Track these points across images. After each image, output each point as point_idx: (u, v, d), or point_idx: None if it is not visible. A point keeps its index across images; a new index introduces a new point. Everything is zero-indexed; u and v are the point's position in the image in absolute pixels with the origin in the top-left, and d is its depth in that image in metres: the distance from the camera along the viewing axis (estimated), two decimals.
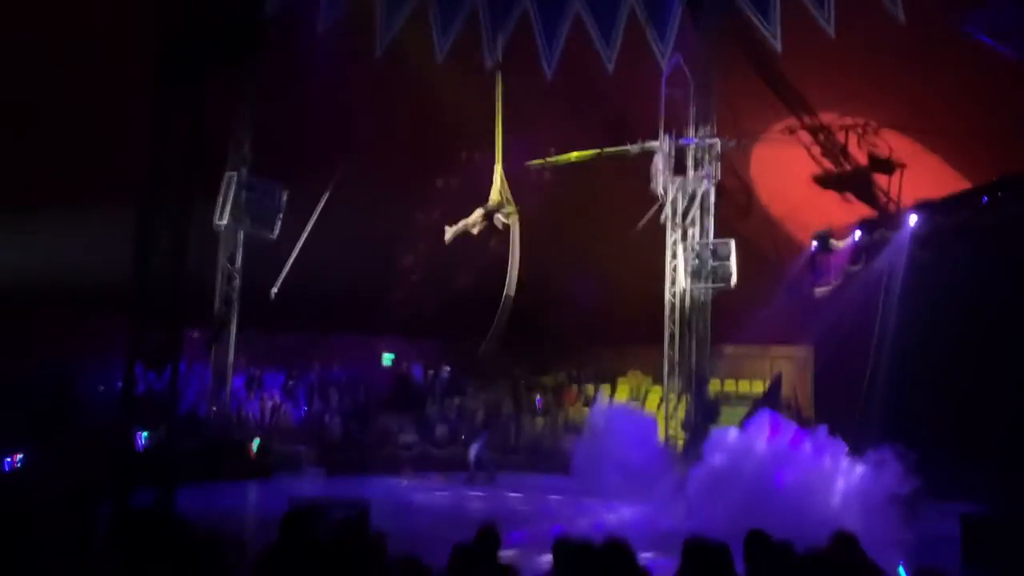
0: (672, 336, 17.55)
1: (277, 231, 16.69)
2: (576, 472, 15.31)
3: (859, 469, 12.06)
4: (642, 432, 15.49)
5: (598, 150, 14.81)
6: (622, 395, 20.70)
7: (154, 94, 9.08)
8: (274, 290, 16.39)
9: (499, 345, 12.71)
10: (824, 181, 17.29)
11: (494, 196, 12.71)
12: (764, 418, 13.42)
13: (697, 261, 17.13)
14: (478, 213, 12.86)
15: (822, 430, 12.59)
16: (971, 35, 11.88)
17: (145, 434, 11.84)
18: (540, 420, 19.47)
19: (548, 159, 16.26)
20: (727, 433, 13.47)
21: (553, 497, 14.32)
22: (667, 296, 17.65)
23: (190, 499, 9.73)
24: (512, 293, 12.43)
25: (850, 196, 17.26)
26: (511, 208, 12.57)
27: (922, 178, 16.23)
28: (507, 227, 13.00)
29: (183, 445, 13.31)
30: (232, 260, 16.70)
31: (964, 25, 11.93)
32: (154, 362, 9.35)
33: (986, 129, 14.15)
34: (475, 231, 12.86)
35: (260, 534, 7.94)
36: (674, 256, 17.59)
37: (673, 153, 17.37)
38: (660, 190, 17.50)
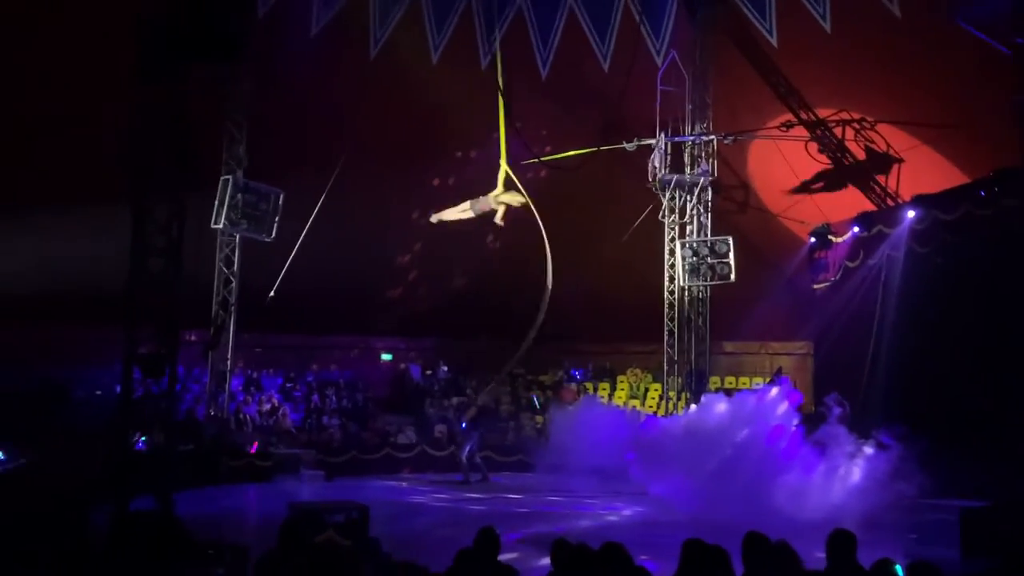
0: (671, 333, 17.69)
1: (273, 234, 16.67)
2: (543, 472, 15.11)
3: (859, 463, 12.08)
4: (612, 429, 14.98)
5: (595, 147, 14.78)
6: (621, 393, 20.75)
7: (140, 91, 9.02)
8: (272, 293, 16.37)
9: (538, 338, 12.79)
10: (824, 179, 17.27)
11: (497, 190, 12.81)
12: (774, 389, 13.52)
13: (695, 258, 17.22)
14: (465, 204, 12.96)
15: (833, 416, 12.53)
16: (964, 29, 11.88)
17: (143, 438, 11.90)
18: (539, 419, 19.46)
19: (544, 157, 16.23)
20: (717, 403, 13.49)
21: (552, 498, 14.23)
22: (666, 293, 17.75)
23: (189, 503, 9.72)
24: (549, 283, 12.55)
25: (848, 191, 17.25)
26: (519, 197, 12.69)
27: (919, 173, 16.20)
28: (510, 219, 13.13)
29: (181, 449, 13.40)
30: (229, 263, 16.69)
31: (956, 19, 11.93)
32: (151, 366, 9.31)
33: (981, 123, 14.15)
34: (458, 217, 12.96)
35: (260, 539, 7.91)
36: (672, 253, 17.71)
37: (670, 150, 17.50)
38: (657, 187, 17.58)
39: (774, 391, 13.74)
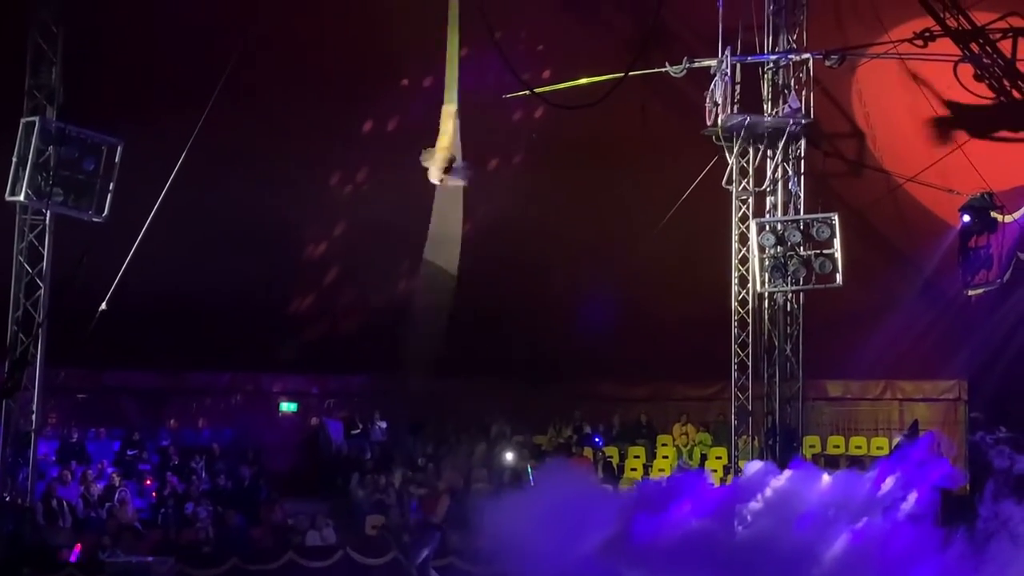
0: (743, 367, 17.64)
1: (106, 210, 16.44)
2: None
3: None
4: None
5: (620, 73, 14.68)
6: (663, 463, 20.63)
7: None
8: (104, 304, 16.14)
9: (428, 372, 12.57)
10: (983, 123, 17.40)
11: (442, 144, 12.64)
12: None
13: (780, 249, 17.20)
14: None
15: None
16: None
17: None
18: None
19: (541, 87, 16.11)
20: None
21: None
22: (733, 305, 17.71)
23: None
24: (432, 282, 12.32)
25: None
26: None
27: None
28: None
29: None
30: (34, 257, 16.49)
31: None
32: None
33: None
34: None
35: None
36: (743, 240, 17.67)
37: (739, 77, 17.42)
38: (720, 135, 17.46)
39: (888, 480, 14.06)
